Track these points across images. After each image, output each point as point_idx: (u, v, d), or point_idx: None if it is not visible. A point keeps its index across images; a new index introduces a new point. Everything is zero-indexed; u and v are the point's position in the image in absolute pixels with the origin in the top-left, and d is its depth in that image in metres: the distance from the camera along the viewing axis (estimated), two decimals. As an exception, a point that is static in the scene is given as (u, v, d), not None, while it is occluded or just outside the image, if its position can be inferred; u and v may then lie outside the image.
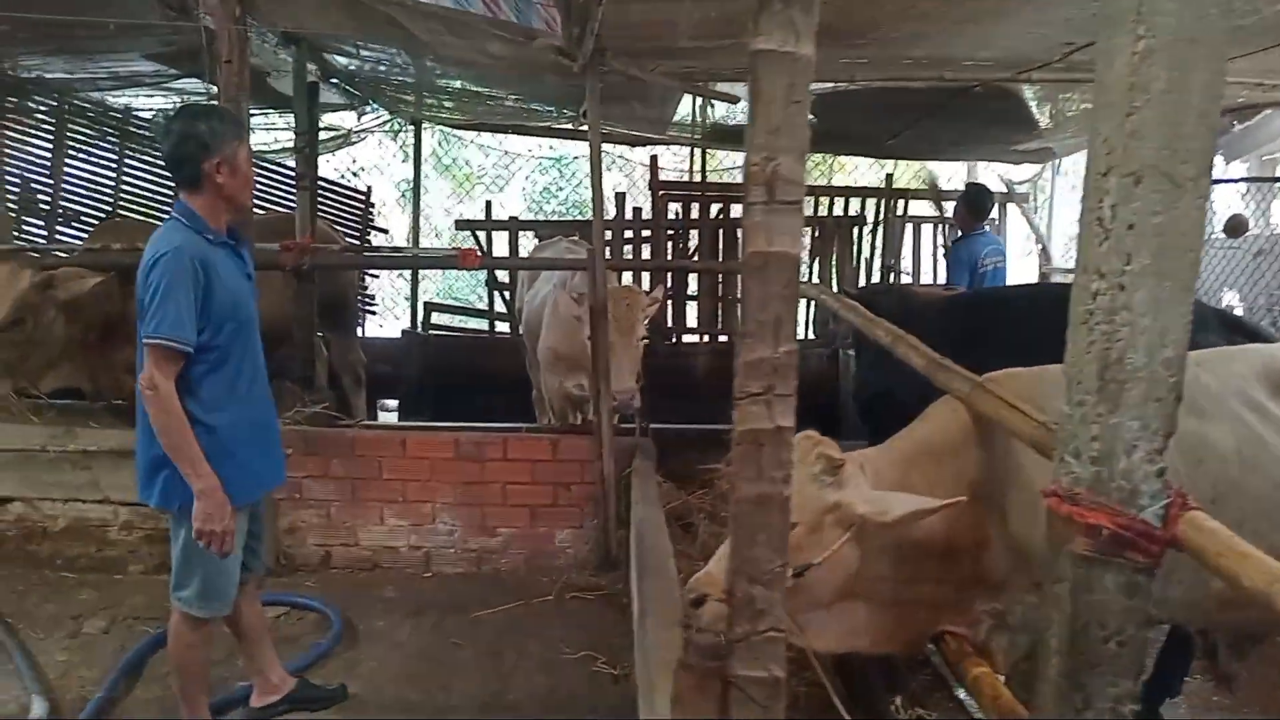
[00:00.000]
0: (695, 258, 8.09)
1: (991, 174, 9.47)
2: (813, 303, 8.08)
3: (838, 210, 8.21)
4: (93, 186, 8.15)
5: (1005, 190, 8.55)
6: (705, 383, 6.98)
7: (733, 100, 5.03)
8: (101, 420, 4.68)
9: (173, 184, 8.21)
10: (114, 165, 8.10)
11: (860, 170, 10.04)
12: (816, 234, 8.18)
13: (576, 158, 9.90)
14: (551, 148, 10.85)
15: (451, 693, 3.50)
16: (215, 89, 4.27)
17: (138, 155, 8.21)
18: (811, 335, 8.17)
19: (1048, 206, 8.91)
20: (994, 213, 6.95)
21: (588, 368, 4.60)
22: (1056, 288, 5.53)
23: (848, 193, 8.27)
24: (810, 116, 4.52)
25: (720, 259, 7.99)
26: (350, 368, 6.47)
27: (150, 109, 7.94)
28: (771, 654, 1.66)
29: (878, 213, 8.24)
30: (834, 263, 8.19)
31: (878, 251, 8.25)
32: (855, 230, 8.20)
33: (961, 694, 2.85)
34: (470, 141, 10.26)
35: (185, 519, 2.82)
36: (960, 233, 6.49)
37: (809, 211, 8.14)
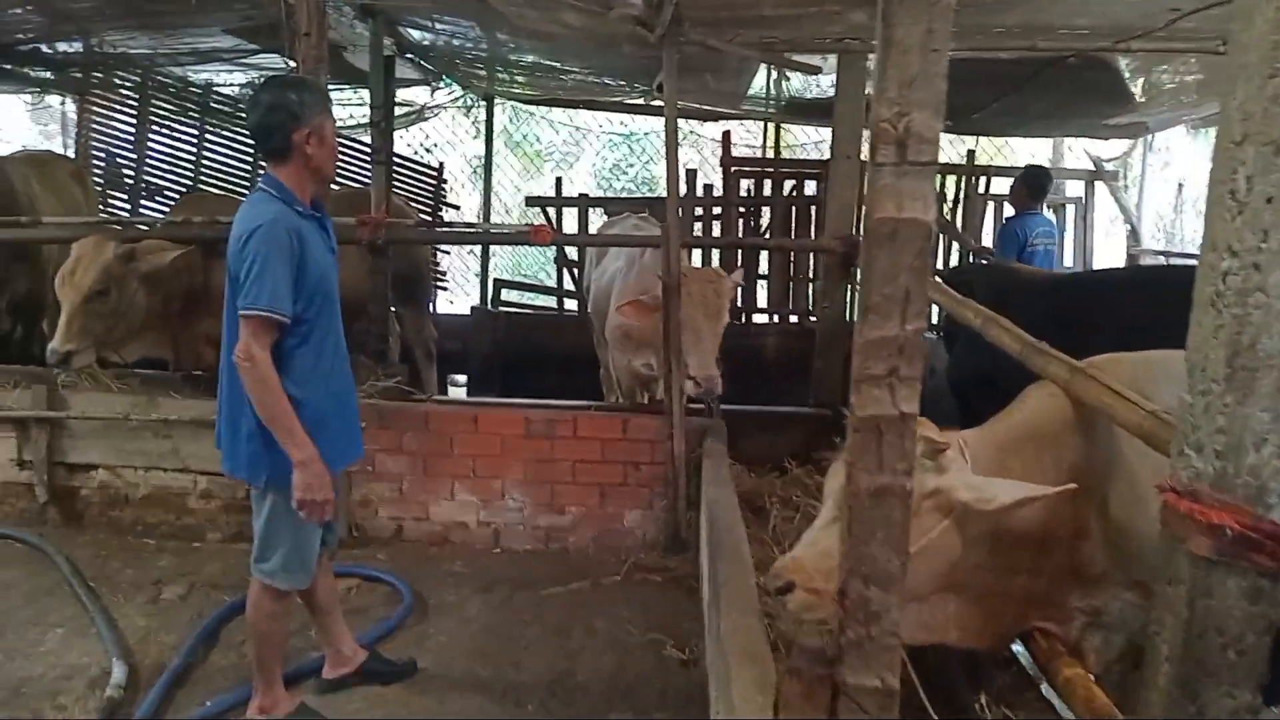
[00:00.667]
0: (767, 235, 7.94)
1: (1077, 150, 9.11)
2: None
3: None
4: (174, 161, 8.33)
5: (1093, 168, 8.21)
6: (775, 364, 6.86)
7: (814, 71, 4.88)
8: (182, 390, 4.77)
9: (251, 159, 8.45)
10: (195, 140, 8.26)
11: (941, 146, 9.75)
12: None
13: (648, 134, 9.80)
14: (623, 124, 10.77)
15: (520, 669, 3.48)
16: (293, 63, 4.27)
17: (218, 130, 8.36)
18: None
19: (1138, 185, 8.54)
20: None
21: (658, 346, 4.53)
22: (1168, 270, 5.26)
23: (927, 170, 8.01)
24: None
25: (793, 237, 7.83)
26: (423, 343, 6.51)
27: (230, 85, 8.08)
28: (886, 661, 1.57)
29: (957, 191, 7.98)
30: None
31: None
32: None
33: (1050, 695, 2.72)
34: (541, 117, 10.22)
35: (271, 491, 2.83)
36: (1014, 211, 6.35)
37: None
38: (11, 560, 4.25)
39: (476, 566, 4.37)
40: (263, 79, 3.04)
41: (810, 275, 7.78)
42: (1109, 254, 8.59)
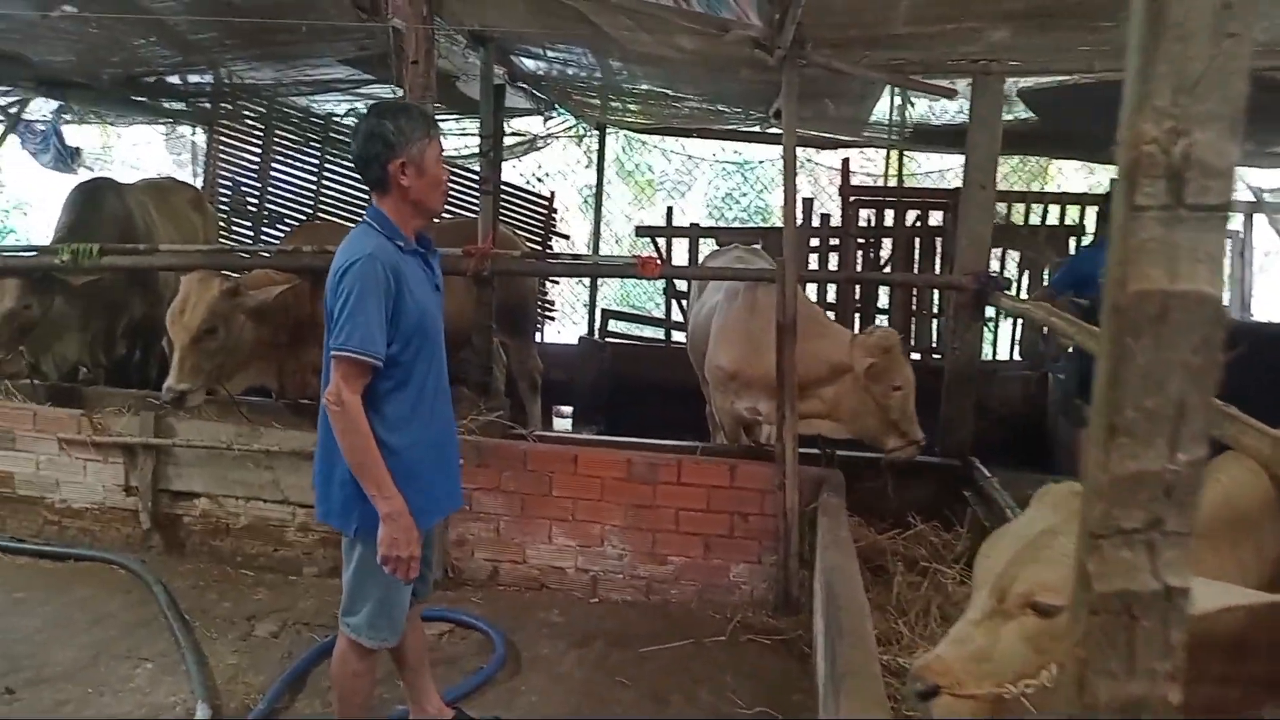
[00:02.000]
0: (887, 269, 7.55)
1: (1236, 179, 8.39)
2: (1018, 321, 7.38)
3: (1051, 220, 7.46)
4: (296, 190, 8.53)
5: (1254, 199, 7.52)
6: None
7: (949, 95, 4.53)
8: (285, 420, 4.72)
9: (366, 190, 8.55)
10: (315, 169, 8.43)
11: (1070, 174, 9.17)
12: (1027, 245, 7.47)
13: (762, 162, 9.54)
14: (736, 152, 10.55)
15: (613, 739, 3.22)
16: (401, 92, 4.20)
17: (338, 160, 8.52)
18: (1016, 355, 7.47)
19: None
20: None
21: (765, 389, 4.24)
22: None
23: (1064, 199, 7.49)
24: (1029, 114, 3.91)
25: (915, 270, 7.42)
26: (528, 374, 6.37)
27: (350, 115, 8.21)
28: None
29: (1098, 223, 7.41)
30: (1045, 278, 7.44)
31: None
32: (1072, 241, 7.42)
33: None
34: (654, 147, 10.09)
35: (361, 541, 2.67)
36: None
37: (1018, 219, 7.44)
38: (114, 588, 4.25)
39: (573, 616, 4.14)
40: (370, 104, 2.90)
41: (935, 311, 7.35)
42: (1267, 289, 7.83)
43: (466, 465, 4.34)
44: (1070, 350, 6.03)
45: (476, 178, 8.38)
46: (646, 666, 3.69)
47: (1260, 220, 7.46)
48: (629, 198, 11.95)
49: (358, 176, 8.32)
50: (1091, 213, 7.46)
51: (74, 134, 8.77)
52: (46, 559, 4.52)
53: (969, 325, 4.94)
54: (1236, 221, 7.60)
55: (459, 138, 7.89)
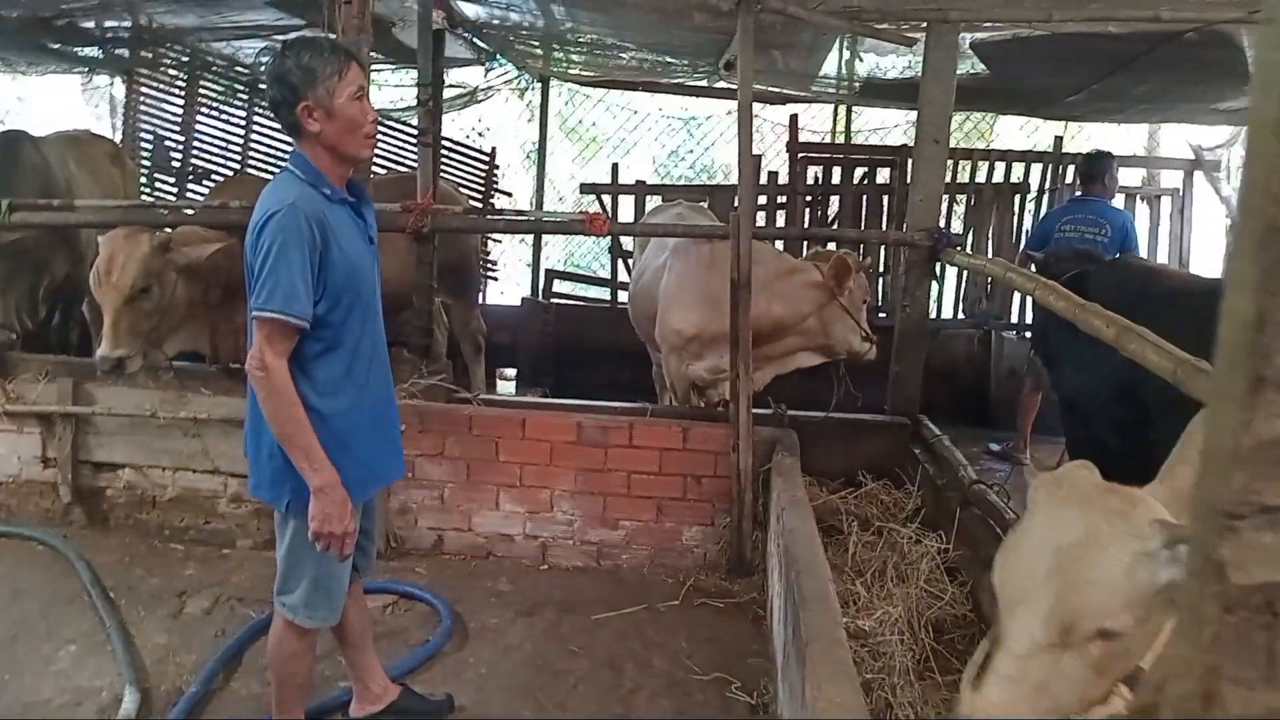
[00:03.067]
0: (835, 226, 7.48)
1: (1174, 138, 8.47)
2: (962, 279, 7.38)
3: (997, 177, 7.44)
4: (222, 144, 8.12)
5: (1193, 157, 7.58)
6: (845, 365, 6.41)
7: (908, 44, 4.41)
8: (215, 386, 4.49)
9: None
10: (243, 122, 8.03)
11: (1010, 133, 9.17)
12: (973, 202, 7.45)
13: (710, 117, 9.36)
14: (682, 108, 10.34)
15: (567, 710, 3.12)
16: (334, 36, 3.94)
17: (266, 112, 8.12)
18: (960, 315, 7.47)
19: (1241, 175, 7.89)
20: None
21: (727, 346, 4.13)
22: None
23: (1010, 157, 7.47)
24: (981, 68, 3.78)
25: (863, 227, 7.36)
26: (470, 336, 6.18)
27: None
28: None
29: (1043, 180, 7.43)
30: (990, 235, 7.44)
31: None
32: (1017, 199, 7.42)
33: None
34: (598, 101, 9.83)
35: (294, 516, 2.49)
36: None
37: (964, 178, 7.41)
38: (33, 564, 4.01)
39: (522, 584, 4.02)
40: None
41: (882, 269, 7.31)
42: (1210, 249, 7.93)
43: (408, 431, 4.17)
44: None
45: (415, 131, 8.12)
46: (599, 634, 3.60)
47: (1200, 179, 7.52)
48: (572, 154, 11.66)
49: (288, 128, 7.91)
50: (1036, 170, 7.46)
51: (-20, 84, 8.26)
52: (-41, 535, 4.26)
53: (919, 282, 4.87)
54: (1175, 179, 7.66)
55: (395, 89, 7.58)
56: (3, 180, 4.90)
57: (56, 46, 6.77)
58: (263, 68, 7.76)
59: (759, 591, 3.88)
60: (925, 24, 4.43)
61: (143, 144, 7.82)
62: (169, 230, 4.43)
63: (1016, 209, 7.45)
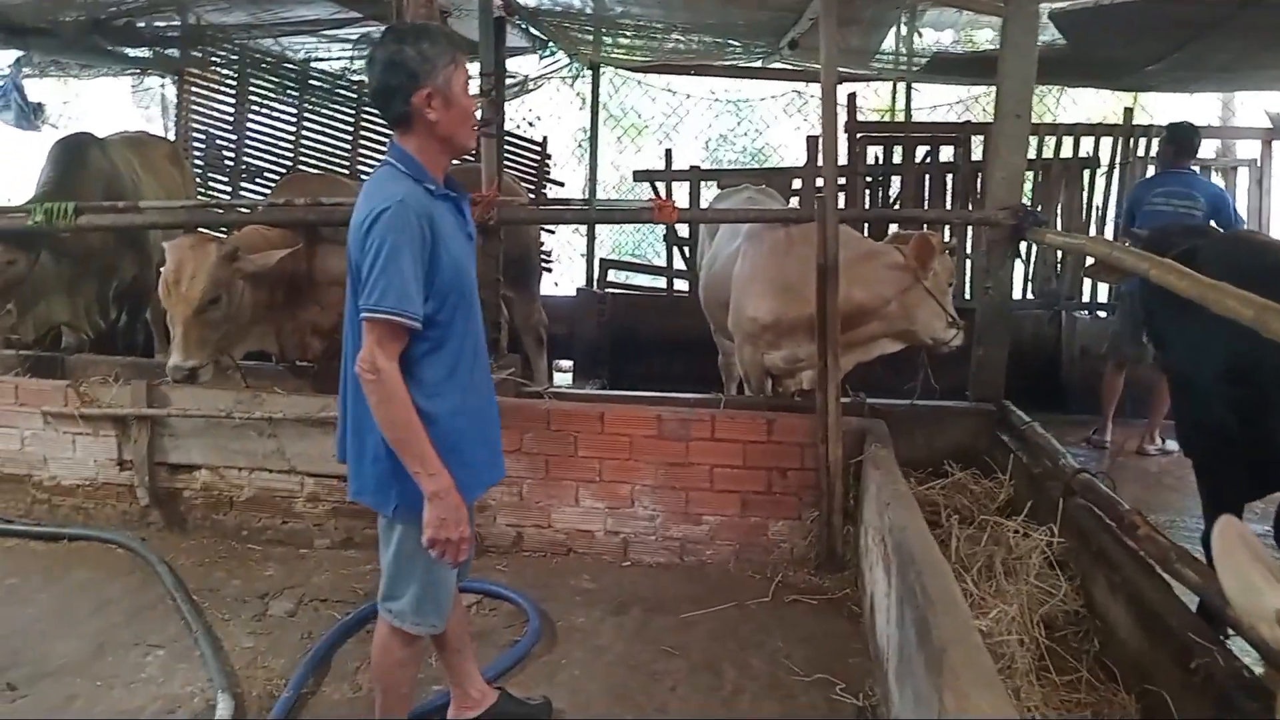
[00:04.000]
0: (897, 206, 7.29)
1: (1251, 107, 8.16)
2: (1031, 257, 7.16)
3: (1065, 151, 7.20)
4: (273, 142, 8.11)
5: (1271, 125, 7.29)
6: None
7: (1000, 13, 4.23)
8: (286, 385, 4.45)
9: (350, 137, 8.17)
10: (293, 120, 8.01)
11: (1081, 105, 8.88)
12: (1039, 179, 7.21)
13: (764, 99, 9.16)
14: (727, 91, 10.16)
15: (668, 714, 3.02)
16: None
17: (316, 109, 8.10)
18: (1029, 295, 7.25)
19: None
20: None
21: (809, 332, 4.00)
22: None
23: (1079, 130, 7.22)
24: (1057, 37, 3.57)
25: (925, 207, 7.17)
26: (533, 329, 6.11)
27: (329, 60, 7.79)
28: None
29: (1114, 154, 7.18)
30: (1059, 212, 7.21)
31: (1113, 199, 7.18)
32: (1087, 174, 7.18)
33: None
34: (640, 83, 9.64)
35: (401, 521, 2.41)
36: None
37: (1031, 153, 7.16)
38: (115, 569, 3.98)
39: (605, 582, 3.93)
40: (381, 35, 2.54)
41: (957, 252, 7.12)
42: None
43: (485, 427, 4.10)
44: (1121, 290, 5.81)
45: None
46: (691, 633, 3.49)
47: (1278, 148, 7.23)
48: (611, 141, 11.49)
49: (339, 125, 8.01)
50: (1106, 145, 7.21)
51: (35, 89, 8.29)
52: (38, 540, 4.25)
53: (1002, 263, 4.70)
54: (1253, 149, 7.37)
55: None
56: (71, 183, 4.91)
57: (110, 48, 6.76)
58: (328, 70, 7.73)
59: (851, 587, 3.76)
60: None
61: (194, 143, 7.84)
62: (233, 235, 4.40)
63: (1086, 184, 7.20)
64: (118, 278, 5.36)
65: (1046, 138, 7.19)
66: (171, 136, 7.70)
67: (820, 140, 3.81)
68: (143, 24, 6.40)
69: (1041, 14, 4.80)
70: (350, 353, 2.34)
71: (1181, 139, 5.55)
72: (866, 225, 7.04)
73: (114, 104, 9.78)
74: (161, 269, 4.09)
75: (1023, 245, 4.66)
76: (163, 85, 8.23)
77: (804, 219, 3.92)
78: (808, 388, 4.52)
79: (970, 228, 6.84)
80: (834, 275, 3.65)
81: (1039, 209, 7.12)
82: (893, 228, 6.98)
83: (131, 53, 7.12)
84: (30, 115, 7.98)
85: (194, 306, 3.98)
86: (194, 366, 4.00)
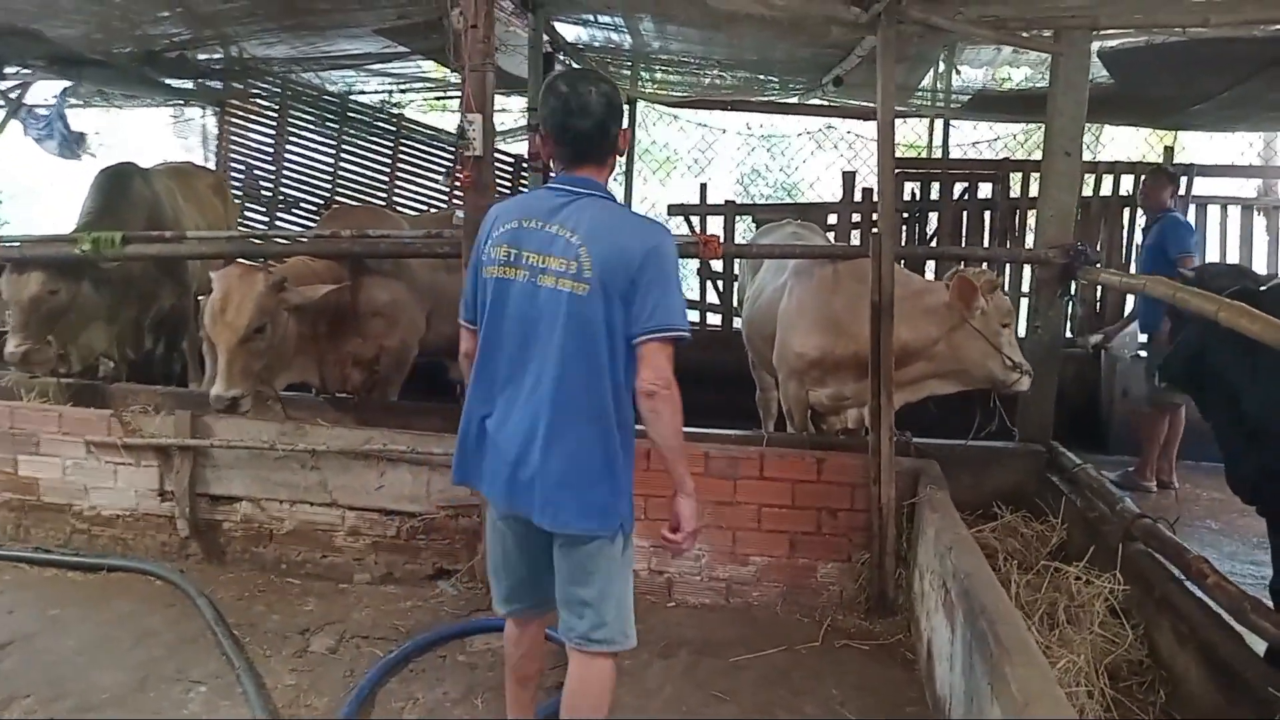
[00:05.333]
0: (934, 243, 7.24)
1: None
2: (1075, 297, 7.08)
3: (1105, 190, 7.14)
4: (311, 172, 8.17)
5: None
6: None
7: (1055, 51, 4.19)
8: (328, 417, 4.43)
9: (388, 169, 8.19)
10: (332, 151, 8.07)
11: (1118, 142, 8.83)
12: (1079, 217, 7.13)
13: (800, 134, 9.17)
14: (760, 125, 10.17)
15: (723, 763, 2.94)
16: (443, 69, 3.86)
17: (354, 140, 8.16)
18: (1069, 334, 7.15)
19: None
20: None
21: (856, 369, 3.94)
22: None
23: (1119, 168, 7.17)
24: (1103, 75, 3.51)
25: (963, 244, 7.12)
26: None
27: (367, 93, 7.86)
28: None
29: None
30: (1100, 249, 7.13)
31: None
32: (1126, 212, 7.11)
33: None
34: (675, 116, 9.67)
35: (624, 536, 2.48)
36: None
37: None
38: (155, 601, 3.94)
39: (651, 622, 3.84)
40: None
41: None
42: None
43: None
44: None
45: (510, 158, 8.09)
46: (741, 678, 3.41)
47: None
48: (644, 175, 11.52)
49: (376, 156, 7.99)
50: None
51: (78, 119, 8.40)
52: (77, 571, 4.22)
53: (1051, 302, 4.64)
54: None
55: (495, 114, 7.54)
56: (114, 212, 4.94)
57: (158, 79, 6.86)
58: (366, 104, 7.80)
59: (904, 633, 3.67)
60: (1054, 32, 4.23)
61: (233, 173, 7.91)
62: (280, 265, 4.41)
63: (1125, 222, 7.13)
64: (156, 306, 5.38)
65: (1086, 175, 7.12)
66: (211, 166, 7.78)
67: (878, 175, 3.75)
68: (190, 56, 6.47)
69: (1091, 53, 4.77)
70: (590, 375, 2.33)
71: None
72: (902, 262, 7.05)
73: (153, 134, 9.89)
74: (201, 298, 4.10)
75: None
76: (203, 116, 8.32)
77: (855, 255, 3.86)
78: (852, 426, 4.47)
79: (1010, 265, 6.77)
80: (889, 314, 3.60)
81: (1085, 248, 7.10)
82: (931, 263, 7.03)
83: (176, 84, 7.22)
84: (73, 145, 8.09)
85: (239, 335, 3.98)
86: (236, 396, 4.00)
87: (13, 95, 7.26)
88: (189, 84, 7.32)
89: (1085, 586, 3.28)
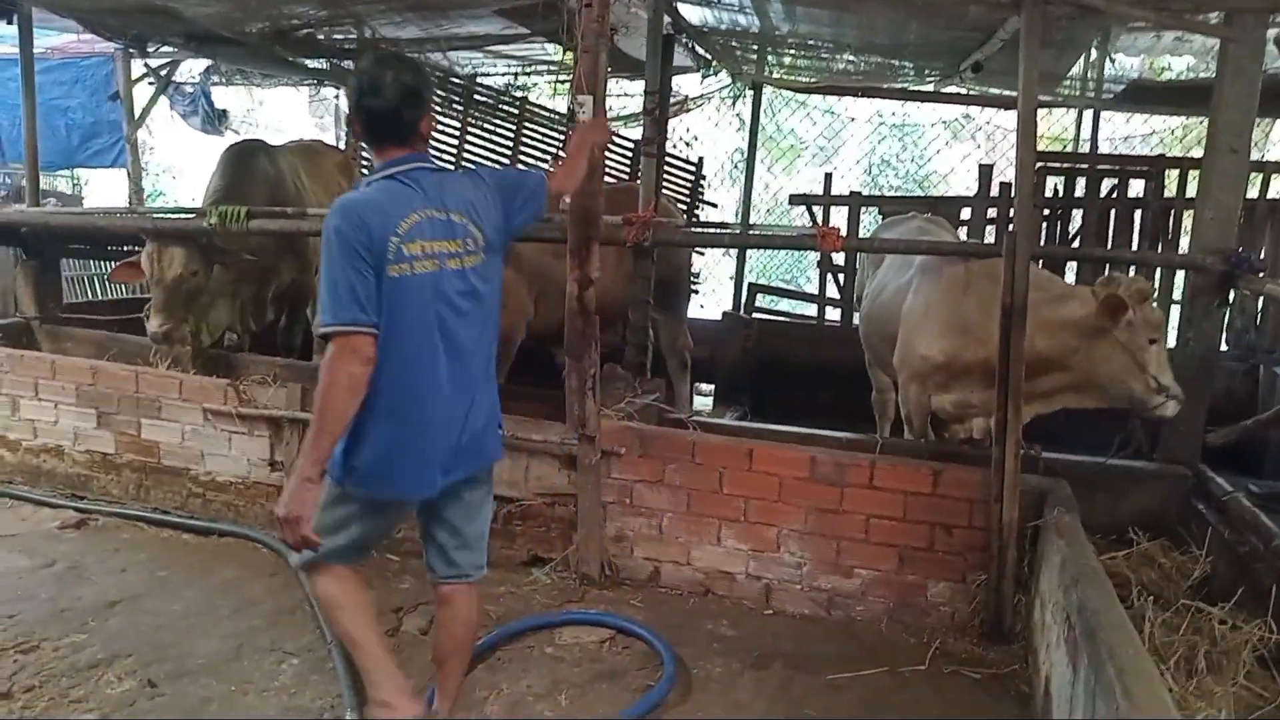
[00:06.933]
0: (1077, 243, 6.77)
1: None
2: (1234, 307, 6.50)
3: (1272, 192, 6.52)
4: (438, 154, 8.25)
5: None
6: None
7: (1226, 36, 3.79)
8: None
9: (510, 151, 8.22)
10: (457, 133, 8.14)
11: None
12: (1242, 219, 6.54)
13: (935, 124, 8.75)
14: (893, 114, 9.78)
15: (813, 790, 2.77)
16: (560, 51, 3.78)
17: (479, 123, 8.21)
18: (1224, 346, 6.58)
19: None
20: None
21: (985, 376, 3.67)
22: None
23: (1290, 168, 6.54)
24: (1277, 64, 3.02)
25: (1109, 245, 6.63)
26: (678, 352, 5.94)
27: (493, 76, 7.89)
28: None
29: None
30: (1263, 256, 6.52)
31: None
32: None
33: None
34: (802, 103, 9.36)
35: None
36: None
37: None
38: (259, 569, 4.04)
39: (746, 630, 3.69)
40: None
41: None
42: None
43: (628, 455, 3.97)
44: None
45: (630, 142, 7.99)
46: (838, 698, 3.22)
47: None
48: (767, 162, 11.24)
49: (500, 139, 8.05)
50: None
51: (220, 96, 8.76)
52: (190, 533, 4.37)
53: (1206, 312, 4.22)
54: None
55: (615, 99, 7.46)
56: (238, 188, 5.07)
57: (289, 59, 7.04)
58: (491, 86, 7.87)
59: (1021, 664, 3.40)
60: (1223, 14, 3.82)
61: (363, 154, 8.06)
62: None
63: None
64: (276, 280, 5.51)
65: (1252, 175, 6.52)
66: (343, 145, 7.96)
67: (1016, 169, 3.46)
68: (321, 36, 6.61)
69: (1267, 39, 4.31)
70: (489, 342, 2.71)
71: None
72: (1040, 263, 6.62)
73: (292, 113, 10.26)
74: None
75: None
76: (336, 96, 8.53)
77: (988, 254, 3.58)
78: (977, 436, 4.18)
79: (1161, 271, 6.26)
80: (1022, 318, 3.32)
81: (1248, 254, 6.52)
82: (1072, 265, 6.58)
83: (309, 63, 7.40)
84: (215, 121, 8.44)
85: None
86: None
87: (163, 73, 7.62)
88: (323, 63, 7.49)
89: (1231, 631, 2.94)
